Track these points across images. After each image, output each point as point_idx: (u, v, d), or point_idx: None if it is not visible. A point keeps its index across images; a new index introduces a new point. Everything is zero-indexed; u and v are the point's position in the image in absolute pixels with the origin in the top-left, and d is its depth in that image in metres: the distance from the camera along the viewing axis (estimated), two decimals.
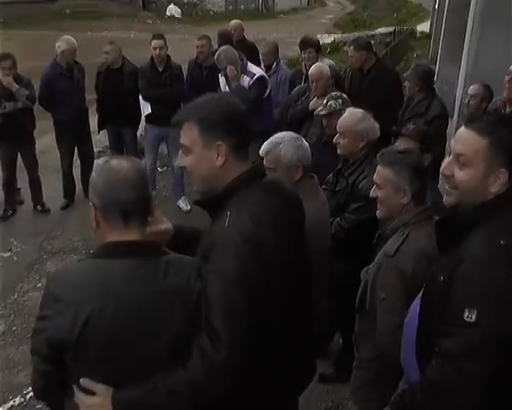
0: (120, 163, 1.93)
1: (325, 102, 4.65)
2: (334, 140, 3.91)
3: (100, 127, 7.47)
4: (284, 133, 3.21)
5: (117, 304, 1.84)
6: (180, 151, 2.17)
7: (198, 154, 2.10)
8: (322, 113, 4.66)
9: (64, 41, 6.97)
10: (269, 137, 3.26)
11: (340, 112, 4.32)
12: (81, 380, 1.89)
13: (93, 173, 1.94)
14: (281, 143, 3.10)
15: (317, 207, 3.11)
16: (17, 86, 6.66)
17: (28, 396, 4.36)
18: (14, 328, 5.21)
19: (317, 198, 3.22)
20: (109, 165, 1.92)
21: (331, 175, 4.09)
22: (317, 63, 5.63)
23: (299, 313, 2.26)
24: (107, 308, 1.83)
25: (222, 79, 6.44)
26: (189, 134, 2.11)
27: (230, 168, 2.10)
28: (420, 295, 2.24)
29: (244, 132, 2.15)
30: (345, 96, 4.69)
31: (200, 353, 1.91)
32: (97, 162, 1.97)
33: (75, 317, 1.81)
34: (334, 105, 4.55)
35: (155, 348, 1.89)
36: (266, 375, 2.13)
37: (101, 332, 1.82)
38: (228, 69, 6.17)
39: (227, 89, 6.32)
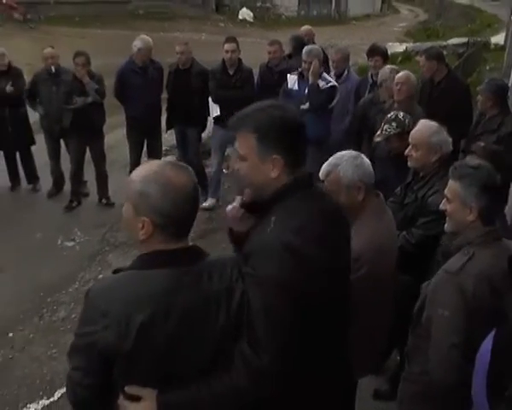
0: (177, 175, 1.90)
1: (382, 125, 4.63)
2: (405, 152, 3.88)
3: (168, 126, 7.67)
4: (343, 153, 3.12)
5: (166, 314, 1.86)
6: (235, 156, 2.19)
7: (253, 164, 2.09)
8: (377, 140, 4.64)
9: (141, 40, 7.21)
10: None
11: (396, 135, 4.35)
12: (126, 387, 1.90)
13: (147, 186, 1.88)
14: (339, 165, 3.02)
15: (383, 227, 3.07)
16: (88, 79, 6.97)
17: None
18: (73, 315, 5.43)
19: (383, 218, 3.14)
20: (167, 179, 1.88)
21: (399, 188, 4.08)
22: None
23: (339, 325, 2.24)
24: (158, 319, 1.85)
25: (292, 78, 6.48)
26: (244, 143, 2.11)
27: (283, 178, 2.10)
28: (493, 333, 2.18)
29: (301, 146, 2.16)
30: (400, 116, 4.58)
31: (243, 358, 1.94)
32: (149, 174, 1.91)
33: (126, 330, 1.82)
34: (388, 130, 4.50)
35: (204, 351, 1.93)
36: (308, 382, 2.14)
37: (154, 343, 1.85)
38: (313, 63, 6.20)
39: (296, 87, 6.40)
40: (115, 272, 2.01)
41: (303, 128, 2.18)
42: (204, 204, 7.16)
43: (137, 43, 7.17)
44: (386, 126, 4.53)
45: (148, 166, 1.94)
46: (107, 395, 1.95)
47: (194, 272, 1.92)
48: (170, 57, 7.99)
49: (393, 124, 4.52)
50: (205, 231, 6.68)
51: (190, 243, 2.01)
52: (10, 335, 5.24)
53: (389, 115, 4.64)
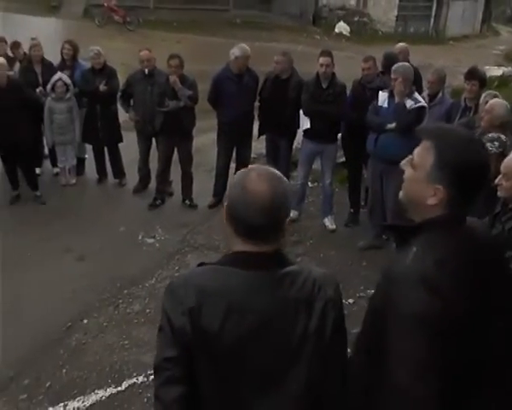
0: (258, 183, 1.90)
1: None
2: (495, 181, 3.77)
3: (260, 133, 7.81)
4: None
5: (241, 313, 1.90)
6: (409, 157, 2.12)
7: (418, 177, 2.04)
8: None
9: (239, 48, 7.40)
10: None
11: (496, 155, 4.23)
12: None
13: (231, 188, 1.97)
14: None
15: None
16: (180, 85, 7.21)
17: (151, 377, 4.63)
18: (147, 310, 5.65)
19: None
20: (247, 182, 1.91)
21: (487, 217, 3.99)
22: (495, 99, 5.49)
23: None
24: (232, 317, 1.89)
25: (382, 95, 6.46)
26: (422, 154, 2.05)
27: (437, 210, 2.00)
28: None
29: (476, 191, 2.02)
30: (502, 137, 4.53)
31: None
32: (239, 174, 2.00)
33: (198, 320, 1.89)
34: (490, 148, 4.39)
35: (277, 357, 1.94)
36: None
37: (224, 339, 1.90)
38: (397, 82, 6.20)
39: (385, 105, 6.38)
40: (199, 265, 2.07)
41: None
42: None
43: (235, 51, 7.35)
44: (488, 145, 4.42)
45: (243, 170, 2.01)
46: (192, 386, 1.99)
47: (274, 277, 1.95)
48: (265, 66, 8.15)
49: (495, 143, 4.47)
50: (285, 242, 6.68)
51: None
52: (85, 321, 5.52)
53: (490, 135, 4.59)
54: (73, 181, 8.47)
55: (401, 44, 8.31)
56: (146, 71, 7.66)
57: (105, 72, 7.96)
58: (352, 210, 7.61)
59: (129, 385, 4.70)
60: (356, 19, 27.67)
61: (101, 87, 7.79)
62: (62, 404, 4.55)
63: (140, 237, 7.10)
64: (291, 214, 7.28)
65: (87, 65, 8.25)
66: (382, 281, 2.01)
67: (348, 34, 26.49)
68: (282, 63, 7.25)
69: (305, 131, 7.27)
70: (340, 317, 1.99)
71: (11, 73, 7.78)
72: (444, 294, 1.87)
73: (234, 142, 7.77)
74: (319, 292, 1.96)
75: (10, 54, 8.53)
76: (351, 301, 5.65)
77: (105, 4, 21.95)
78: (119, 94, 7.99)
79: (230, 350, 1.91)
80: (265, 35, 22.69)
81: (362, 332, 2.13)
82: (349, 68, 9.44)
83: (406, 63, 6.65)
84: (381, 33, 27.56)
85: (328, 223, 7.49)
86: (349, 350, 2.08)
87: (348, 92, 7.21)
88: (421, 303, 1.85)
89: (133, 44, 15.33)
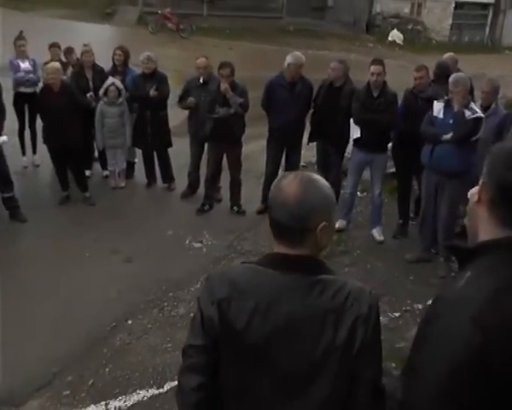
0: (292, 185, 1.97)
1: None
2: None
3: (310, 140, 7.83)
4: None
5: (267, 312, 1.94)
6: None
7: (480, 208, 1.88)
8: None
9: (292, 56, 7.46)
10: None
11: None
12: None
13: (274, 184, 2.04)
14: None
15: None
16: (232, 93, 7.29)
17: None
18: (192, 314, 5.64)
19: None
20: (283, 184, 1.99)
21: None
22: None
23: None
24: (257, 314, 1.94)
25: (437, 105, 6.38)
26: (483, 187, 1.88)
27: (496, 232, 1.82)
28: None
29: None
30: None
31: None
32: (281, 176, 2.08)
33: (226, 313, 1.96)
34: None
35: (301, 363, 1.95)
36: None
37: (250, 338, 1.94)
38: (457, 91, 6.10)
39: (441, 115, 6.30)
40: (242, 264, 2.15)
41: None
42: None
43: (289, 59, 7.41)
44: None
45: (288, 172, 2.08)
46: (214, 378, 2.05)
47: (304, 282, 1.96)
48: (316, 74, 8.17)
49: None
50: (332, 252, 6.72)
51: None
52: (129, 322, 5.64)
53: None
54: (123, 184, 8.68)
55: (449, 54, 8.25)
56: (200, 79, 7.80)
57: (156, 77, 8.13)
58: (400, 221, 7.53)
59: (170, 388, 4.74)
60: (409, 27, 27.40)
61: (152, 92, 7.95)
62: (104, 402, 4.66)
63: (187, 242, 7.20)
64: (338, 224, 7.33)
65: (138, 71, 8.47)
66: (432, 303, 1.89)
67: (401, 43, 26.25)
68: (337, 70, 7.27)
69: (355, 141, 7.25)
70: (371, 335, 1.95)
71: (63, 77, 8.03)
72: (495, 336, 1.65)
73: (283, 148, 7.82)
74: (352, 306, 1.94)
75: (63, 59, 8.82)
76: (396, 314, 5.58)
77: (159, 12, 22.39)
78: (176, 100, 8.15)
79: (254, 348, 1.95)
80: (318, 43, 22.71)
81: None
82: (401, 77, 9.38)
83: (462, 73, 6.57)
84: (434, 42, 27.20)
85: (377, 234, 7.43)
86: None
87: (399, 101, 7.15)
88: (465, 339, 1.67)
89: (186, 51, 15.63)
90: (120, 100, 8.15)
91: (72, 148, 7.78)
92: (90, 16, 23.63)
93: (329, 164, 7.67)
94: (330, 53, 20.67)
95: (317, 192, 1.98)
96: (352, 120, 7.26)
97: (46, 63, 8.48)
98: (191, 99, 7.88)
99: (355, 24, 26.96)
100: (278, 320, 1.93)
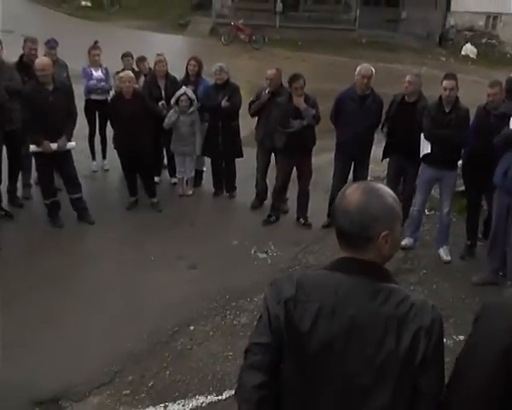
0: (355, 192, 2.05)
1: None
2: None
3: (384, 155, 7.75)
4: None
5: (332, 314, 1.99)
6: None
7: None
8: None
9: (361, 67, 7.43)
10: None
11: None
12: None
13: (341, 191, 2.13)
14: None
15: None
16: (305, 105, 7.32)
17: None
18: (254, 323, 5.72)
19: None
20: (348, 191, 2.08)
21: None
22: None
23: None
24: (324, 313, 2.00)
25: None
26: None
27: None
28: None
29: None
30: None
31: None
32: (349, 184, 2.16)
33: (293, 312, 2.02)
34: None
35: (362, 369, 1.97)
36: None
37: (314, 340, 2.00)
38: None
39: None
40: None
41: None
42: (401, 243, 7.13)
43: (358, 70, 7.38)
44: None
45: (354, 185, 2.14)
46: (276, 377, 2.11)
47: (368, 287, 2.00)
48: (386, 88, 8.13)
49: None
50: (398, 269, 6.64)
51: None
52: (191, 328, 5.75)
53: None
54: (190, 192, 8.85)
55: None
56: (266, 91, 7.89)
57: (228, 88, 8.26)
58: (468, 242, 7.36)
59: (230, 395, 4.80)
60: (484, 41, 26.71)
61: (224, 103, 8.10)
62: (163, 405, 4.76)
63: (252, 252, 7.27)
64: (405, 242, 7.24)
65: (210, 81, 8.64)
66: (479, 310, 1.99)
67: (475, 57, 25.61)
68: (414, 84, 7.18)
69: (425, 157, 7.12)
70: (434, 349, 1.95)
71: (136, 86, 8.28)
72: None
73: (351, 162, 7.78)
74: (415, 316, 1.96)
75: (136, 68, 9.09)
76: (461, 337, 5.45)
77: (232, 23, 22.72)
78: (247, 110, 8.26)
79: (316, 351, 2.00)
80: (390, 56, 22.50)
81: None
82: (474, 92, 9.20)
83: None
84: (509, 56, 26.39)
85: (443, 253, 7.29)
86: None
87: (471, 118, 7.00)
88: (501, 344, 1.80)
89: (258, 62, 15.79)
90: (191, 109, 8.32)
91: (143, 154, 8.02)
92: (163, 27, 24.28)
93: (401, 179, 7.62)
94: (402, 66, 20.44)
95: (379, 201, 2.03)
96: (422, 136, 7.14)
97: (118, 72, 8.83)
98: (265, 93, 7.93)
99: (428, 37, 26.55)
100: (342, 323, 1.98)
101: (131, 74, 8.02)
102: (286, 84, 7.68)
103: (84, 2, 27.48)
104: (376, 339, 1.95)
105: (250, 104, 8.15)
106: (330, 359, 1.99)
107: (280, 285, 2.11)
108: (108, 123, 8.98)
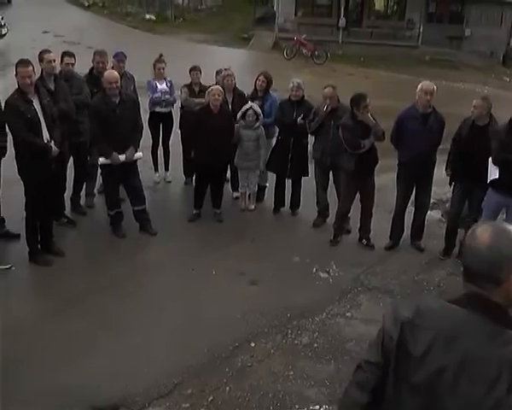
0: (484, 233, 2.05)
1: None
2: None
3: (451, 180, 7.58)
4: None
5: (445, 345, 1.99)
6: None
7: None
8: None
9: (422, 84, 7.30)
10: None
11: None
12: None
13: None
14: None
15: None
16: (374, 122, 7.26)
17: None
18: (315, 344, 5.74)
19: None
20: (478, 231, 2.08)
21: None
22: None
23: None
24: (436, 347, 2.00)
25: None
26: None
27: None
28: None
29: None
30: None
31: None
32: (482, 225, 2.13)
33: (404, 337, 2.05)
34: None
35: (465, 404, 1.94)
36: None
37: (423, 369, 2.00)
38: None
39: None
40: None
41: None
42: None
43: (419, 88, 7.27)
44: None
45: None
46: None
47: (489, 327, 1.98)
48: (449, 107, 7.98)
49: None
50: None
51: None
52: (252, 344, 5.75)
53: None
54: (252, 207, 8.89)
55: None
56: (324, 108, 7.88)
57: (303, 105, 8.26)
58: None
59: None
60: None
61: (299, 120, 8.11)
62: None
63: (314, 270, 7.22)
64: None
65: (277, 96, 8.69)
66: None
67: None
68: (480, 108, 7.01)
69: (493, 182, 6.90)
70: None
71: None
72: None
73: (414, 183, 7.65)
74: None
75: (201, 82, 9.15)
76: None
77: (295, 38, 22.81)
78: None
79: (424, 378, 2.00)
80: (453, 74, 22.21)
81: None
82: None
83: None
84: None
85: None
86: None
87: None
88: None
89: (320, 78, 15.76)
90: (257, 124, 8.37)
91: (220, 167, 8.20)
92: (226, 40, 24.63)
93: (467, 204, 7.48)
94: (464, 85, 20.14)
95: (511, 242, 2.03)
96: (490, 160, 6.92)
97: (186, 85, 9.02)
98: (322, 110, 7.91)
99: (491, 55, 26.09)
100: (455, 356, 1.97)
101: (220, 88, 8.08)
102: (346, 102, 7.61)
103: (148, 16, 28.09)
104: (488, 381, 1.92)
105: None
106: (436, 389, 1.98)
107: (399, 307, 2.15)
108: (172, 135, 9.19)
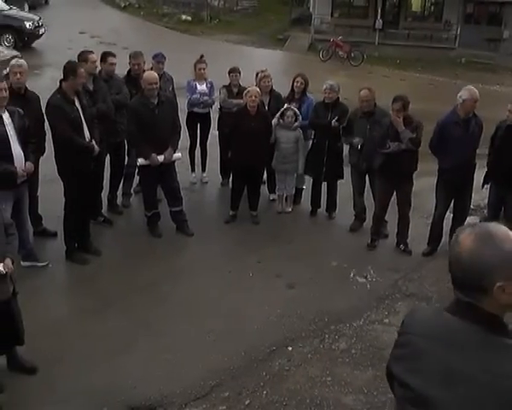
0: (467, 238, 1.94)
1: None
2: None
3: (484, 183, 7.54)
4: None
5: (435, 353, 1.93)
6: None
7: None
8: None
9: (466, 91, 7.15)
10: None
11: None
12: None
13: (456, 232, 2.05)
14: None
15: None
16: (403, 128, 7.16)
17: None
18: (353, 350, 5.70)
19: None
20: (460, 237, 1.97)
21: None
22: None
23: None
24: (427, 356, 1.95)
25: None
26: None
27: None
28: None
29: None
30: None
31: None
32: (464, 227, 2.04)
33: (408, 351, 2.02)
34: None
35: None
36: None
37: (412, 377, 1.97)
38: None
39: None
40: None
41: None
42: None
43: (462, 94, 7.11)
44: None
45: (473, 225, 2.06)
46: None
47: (480, 337, 1.91)
48: (486, 111, 7.90)
49: None
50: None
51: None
52: (289, 348, 5.72)
53: None
54: (289, 209, 8.84)
55: None
56: (360, 112, 7.82)
57: (338, 107, 8.20)
58: None
59: None
60: None
61: (333, 123, 8.03)
62: None
63: (352, 275, 7.16)
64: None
65: (313, 98, 8.64)
66: None
67: None
68: None
69: None
70: None
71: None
72: None
73: (454, 190, 7.51)
74: None
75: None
76: None
77: (331, 39, 22.72)
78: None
79: (417, 392, 1.93)
80: (489, 77, 21.89)
81: None
82: None
83: None
84: None
85: None
86: None
87: None
88: None
89: (356, 80, 15.68)
90: (296, 125, 8.33)
91: (258, 169, 8.23)
92: (262, 42, 24.67)
93: (502, 208, 7.37)
94: (501, 88, 19.80)
95: (495, 247, 1.90)
96: None
97: (224, 86, 9.02)
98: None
99: None
100: (440, 362, 1.92)
101: (258, 90, 8.07)
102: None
103: (184, 17, 28.26)
104: (491, 396, 1.84)
105: (344, 131, 8.09)
106: (429, 403, 1.92)
107: (405, 316, 2.18)
108: (210, 136, 9.21)
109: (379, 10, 24.91)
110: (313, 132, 8.62)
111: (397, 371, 2.05)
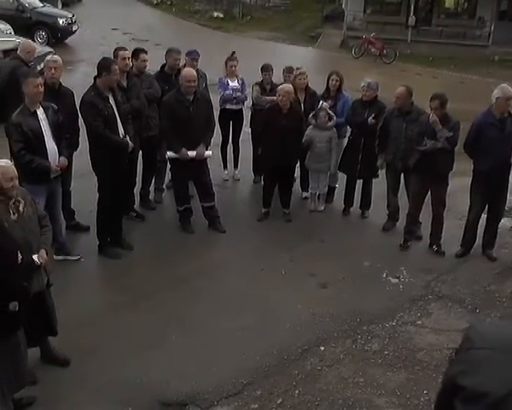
0: None
1: None
2: None
3: None
4: None
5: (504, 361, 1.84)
6: None
7: None
8: None
9: (499, 89, 7.02)
10: None
11: None
12: None
13: None
14: None
15: None
16: (440, 127, 7.05)
17: None
18: (385, 352, 5.65)
19: None
20: None
21: None
22: None
23: None
24: (503, 367, 1.83)
25: None
26: None
27: None
28: None
29: None
30: None
31: None
32: None
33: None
34: None
35: None
36: None
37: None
38: None
39: None
40: None
41: None
42: None
43: (496, 93, 7.00)
44: None
45: None
46: None
47: None
48: None
49: None
50: None
51: None
52: (322, 348, 5.69)
53: None
54: (322, 208, 8.79)
55: None
56: (397, 110, 7.72)
57: (376, 105, 8.11)
58: None
59: None
60: None
61: (370, 120, 7.95)
62: None
63: (384, 276, 7.09)
64: None
65: (349, 96, 8.57)
66: None
67: None
68: None
69: None
70: None
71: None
72: None
73: (489, 192, 7.37)
74: None
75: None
76: None
77: (363, 36, 22.52)
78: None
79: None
80: None
81: None
82: None
83: None
84: None
85: None
86: None
87: None
88: None
89: (388, 77, 15.49)
90: (330, 124, 8.27)
91: (289, 167, 8.15)
92: (294, 38, 24.56)
93: None
94: None
95: None
96: None
97: (257, 83, 9.02)
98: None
99: None
100: None
101: (290, 87, 8.02)
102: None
103: (216, 13, 28.25)
104: None
105: (380, 129, 7.96)
106: None
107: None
108: (242, 133, 9.20)
109: (412, 7, 24.54)
110: (350, 130, 8.56)
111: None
